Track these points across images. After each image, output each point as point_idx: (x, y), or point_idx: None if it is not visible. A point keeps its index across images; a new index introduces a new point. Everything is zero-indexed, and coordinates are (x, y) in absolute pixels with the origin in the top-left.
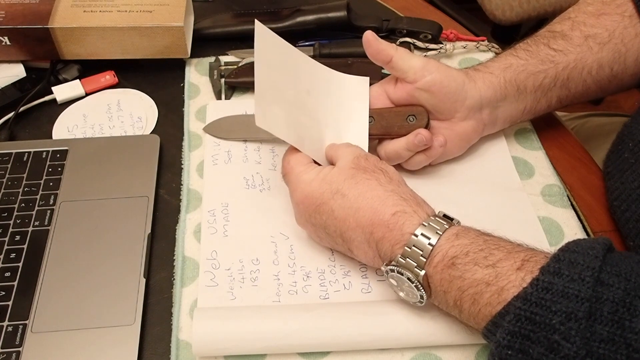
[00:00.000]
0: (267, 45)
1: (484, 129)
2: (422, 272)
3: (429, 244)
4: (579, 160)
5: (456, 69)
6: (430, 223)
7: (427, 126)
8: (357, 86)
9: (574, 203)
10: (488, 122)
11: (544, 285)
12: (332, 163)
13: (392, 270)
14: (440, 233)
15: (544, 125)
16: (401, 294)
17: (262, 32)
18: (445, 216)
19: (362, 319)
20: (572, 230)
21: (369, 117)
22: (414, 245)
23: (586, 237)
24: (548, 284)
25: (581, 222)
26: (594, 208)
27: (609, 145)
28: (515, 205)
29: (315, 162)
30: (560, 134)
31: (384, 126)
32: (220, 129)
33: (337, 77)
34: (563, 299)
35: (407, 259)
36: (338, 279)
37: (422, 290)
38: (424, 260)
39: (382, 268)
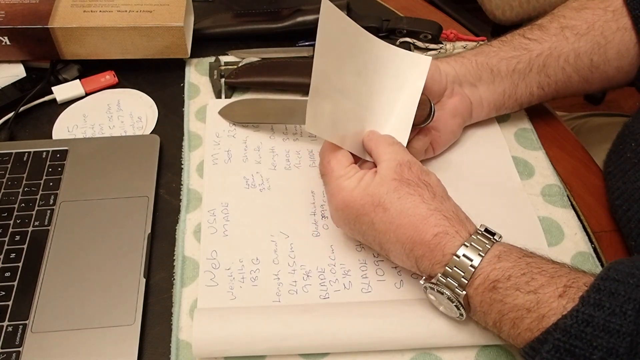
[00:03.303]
0: (332, 26)
1: (472, 107)
2: (463, 293)
3: (471, 265)
4: (579, 160)
5: None
6: (473, 243)
7: (430, 114)
8: (415, 66)
9: (574, 203)
10: (474, 100)
11: (584, 317)
12: (370, 155)
13: (432, 288)
14: (483, 254)
15: (544, 125)
16: (440, 307)
17: (328, 11)
18: (487, 231)
19: (362, 321)
20: (572, 230)
21: None
22: (455, 266)
23: (586, 237)
24: (588, 317)
25: (581, 222)
26: (594, 208)
27: (610, 145)
28: (515, 205)
29: (355, 155)
30: (560, 134)
31: None
32: (233, 113)
33: (397, 55)
34: (604, 334)
35: (448, 278)
36: (338, 278)
37: (462, 309)
38: (465, 281)
39: (421, 282)
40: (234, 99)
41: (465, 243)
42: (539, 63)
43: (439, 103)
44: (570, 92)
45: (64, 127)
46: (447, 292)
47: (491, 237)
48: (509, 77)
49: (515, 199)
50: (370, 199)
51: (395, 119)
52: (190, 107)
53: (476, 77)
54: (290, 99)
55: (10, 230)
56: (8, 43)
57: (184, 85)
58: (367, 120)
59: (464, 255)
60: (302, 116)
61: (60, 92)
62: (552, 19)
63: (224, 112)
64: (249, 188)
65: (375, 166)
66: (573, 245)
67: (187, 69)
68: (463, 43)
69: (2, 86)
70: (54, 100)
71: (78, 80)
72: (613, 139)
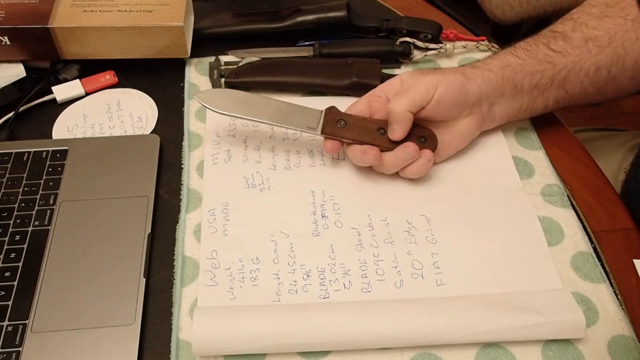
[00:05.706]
0: None
1: (483, 123)
2: None
3: None
4: (579, 160)
5: (452, 69)
6: None
7: (434, 149)
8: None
9: (574, 203)
10: (487, 116)
11: None
12: None
13: None
14: None
15: (544, 125)
16: None
17: None
18: None
19: (362, 319)
20: (572, 230)
21: (381, 128)
22: None
23: (586, 237)
24: None
25: (581, 222)
26: (594, 208)
27: (599, 160)
28: (515, 205)
29: None
30: (560, 134)
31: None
32: (215, 102)
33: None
34: None
35: None
36: (338, 278)
37: None
38: None
39: None
40: None
41: None
42: (561, 78)
43: (453, 120)
44: (584, 102)
45: (64, 127)
46: None
47: None
48: (529, 92)
49: (515, 199)
50: None
51: None
52: (190, 107)
53: (499, 93)
54: (284, 102)
55: (10, 230)
56: (8, 43)
57: (184, 85)
58: None
59: None
60: (297, 121)
61: (60, 92)
62: (575, 28)
63: (203, 98)
64: (249, 188)
65: None
66: (573, 245)
67: (187, 69)
68: (463, 43)
69: (2, 86)
70: (54, 100)
71: (78, 80)
72: (603, 153)
